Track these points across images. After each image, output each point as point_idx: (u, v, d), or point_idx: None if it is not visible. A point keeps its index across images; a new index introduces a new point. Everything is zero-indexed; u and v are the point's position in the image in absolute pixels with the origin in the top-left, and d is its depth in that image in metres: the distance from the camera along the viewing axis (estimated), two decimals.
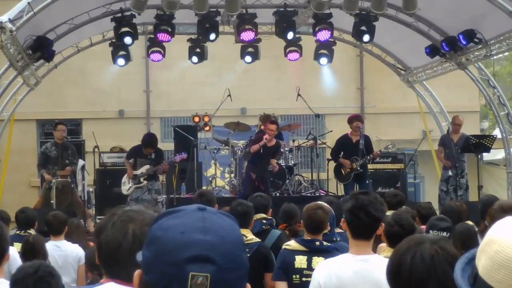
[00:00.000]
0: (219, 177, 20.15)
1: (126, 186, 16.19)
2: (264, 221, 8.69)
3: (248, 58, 18.73)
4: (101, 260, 3.00)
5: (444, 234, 6.51)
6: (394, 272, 2.94)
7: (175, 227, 1.95)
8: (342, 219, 5.22)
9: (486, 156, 21.31)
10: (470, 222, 9.84)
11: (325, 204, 7.46)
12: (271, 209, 8.99)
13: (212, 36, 16.99)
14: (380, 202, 5.11)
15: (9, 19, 13.53)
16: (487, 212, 6.10)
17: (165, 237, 1.94)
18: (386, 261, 5.07)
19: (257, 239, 7.81)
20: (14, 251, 7.58)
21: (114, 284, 2.84)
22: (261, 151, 15.58)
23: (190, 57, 18.67)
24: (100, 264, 3.03)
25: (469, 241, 7.50)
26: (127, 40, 16.71)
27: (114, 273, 2.91)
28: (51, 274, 4.68)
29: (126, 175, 16.36)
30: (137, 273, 2.02)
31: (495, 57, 18.54)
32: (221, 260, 1.91)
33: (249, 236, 7.72)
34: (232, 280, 1.94)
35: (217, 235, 1.94)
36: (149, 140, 16.51)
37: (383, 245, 7.68)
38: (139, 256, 2.03)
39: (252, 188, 15.10)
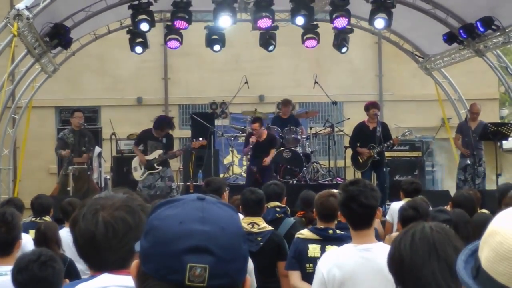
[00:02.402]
0: (237, 164, 20.15)
1: (139, 172, 16.13)
2: (278, 209, 8.67)
3: (271, 47, 18.74)
4: (80, 254, 2.94)
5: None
6: (395, 257, 2.91)
7: (173, 217, 1.90)
8: (339, 213, 5.23)
9: (506, 144, 21.20)
10: (485, 211, 9.82)
11: (338, 192, 7.44)
12: (285, 198, 8.97)
13: (226, 23, 16.91)
14: (370, 189, 5.08)
15: (26, 6, 13.59)
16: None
17: (162, 227, 1.90)
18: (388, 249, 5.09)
19: (270, 227, 7.79)
20: (28, 238, 7.58)
21: (108, 275, 2.80)
22: (252, 152, 16.12)
23: (208, 45, 18.64)
24: (80, 257, 2.98)
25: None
26: (144, 27, 16.69)
27: (96, 264, 2.86)
28: (53, 258, 4.70)
29: (135, 160, 16.31)
30: (134, 263, 1.98)
31: None
32: (220, 251, 1.86)
33: (262, 224, 7.71)
34: (231, 272, 1.90)
35: (216, 225, 1.90)
36: (162, 122, 16.49)
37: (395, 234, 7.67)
38: (137, 246, 2.00)
39: (252, 180, 15.37)
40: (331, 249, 6.58)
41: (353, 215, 5.04)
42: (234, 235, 1.93)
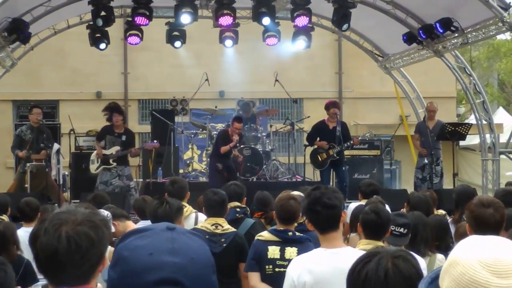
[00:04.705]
0: (196, 161, 20.12)
1: (95, 165, 15.90)
2: (238, 209, 8.68)
3: (228, 43, 18.59)
4: (41, 269, 2.86)
5: (402, 230, 6.55)
6: (351, 283, 2.88)
7: (143, 248, 1.90)
8: (307, 221, 5.27)
9: (462, 141, 21.42)
10: (442, 211, 9.92)
11: (298, 194, 7.48)
12: (245, 198, 8.99)
13: (187, 20, 16.82)
14: (332, 191, 5.16)
15: None
16: (465, 205, 6.10)
17: (132, 258, 1.90)
18: (358, 253, 5.14)
19: (233, 229, 7.79)
20: None
21: None
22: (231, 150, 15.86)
23: (171, 41, 18.49)
24: (40, 272, 2.93)
25: (442, 233, 7.57)
26: (104, 23, 16.52)
27: (56, 280, 2.82)
28: (3, 263, 4.66)
29: (94, 153, 16.07)
30: None
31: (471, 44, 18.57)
32: (190, 282, 1.86)
33: (225, 225, 7.72)
34: None
35: (186, 256, 1.89)
36: (110, 107, 16.14)
37: (355, 235, 7.72)
38: (104, 275, 1.97)
39: (220, 179, 15.25)
40: (290, 253, 6.62)
41: (319, 218, 5.06)
42: (204, 265, 1.93)
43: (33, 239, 2.83)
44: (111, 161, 15.79)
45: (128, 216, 7.73)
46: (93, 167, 15.95)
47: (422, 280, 2.09)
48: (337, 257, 5.03)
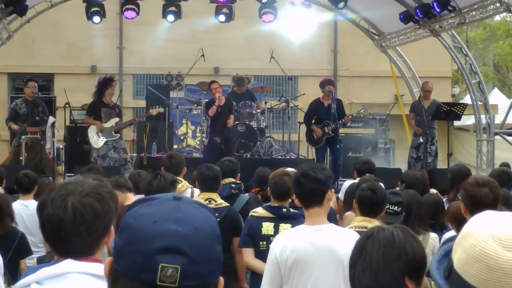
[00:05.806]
0: (190, 136, 20.12)
1: (97, 140, 15.42)
2: (233, 185, 8.71)
3: (222, 17, 18.56)
4: (46, 238, 2.93)
5: (396, 208, 6.56)
6: (354, 261, 2.86)
7: (148, 216, 1.89)
8: (294, 196, 5.33)
9: (456, 122, 21.43)
10: (434, 191, 9.95)
11: (292, 170, 7.49)
12: (239, 174, 9.01)
13: None
14: (320, 167, 5.26)
15: None
16: (460, 184, 6.11)
17: (137, 225, 1.89)
18: (340, 230, 5.19)
19: (226, 204, 7.83)
20: None
21: (71, 261, 2.80)
22: (219, 110, 15.52)
23: (164, 16, 18.45)
24: (46, 242, 2.96)
25: (437, 213, 7.58)
26: None
27: (61, 250, 2.85)
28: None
29: (91, 128, 15.56)
30: (108, 260, 1.97)
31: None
32: (192, 252, 1.86)
33: (218, 200, 7.75)
34: (204, 273, 1.89)
35: (190, 226, 1.89)
36: (104, 80, 15.80)
37: (351, 213, 7.75)
38: (112, 243, 1.99)
39: (217, 153, 15.12)
40: (284, 230, 6.64)
41: (303, 191, 5.16)
42: (208, 236, 1.93)
43: (41, 208, 2.88)
44: (113, 133, 15.56)
45: (131, 188, 7.70)
46: (95, 141, 15.33)
47: (436, 252, 2.12)
48: (320, 234, 5.09)
